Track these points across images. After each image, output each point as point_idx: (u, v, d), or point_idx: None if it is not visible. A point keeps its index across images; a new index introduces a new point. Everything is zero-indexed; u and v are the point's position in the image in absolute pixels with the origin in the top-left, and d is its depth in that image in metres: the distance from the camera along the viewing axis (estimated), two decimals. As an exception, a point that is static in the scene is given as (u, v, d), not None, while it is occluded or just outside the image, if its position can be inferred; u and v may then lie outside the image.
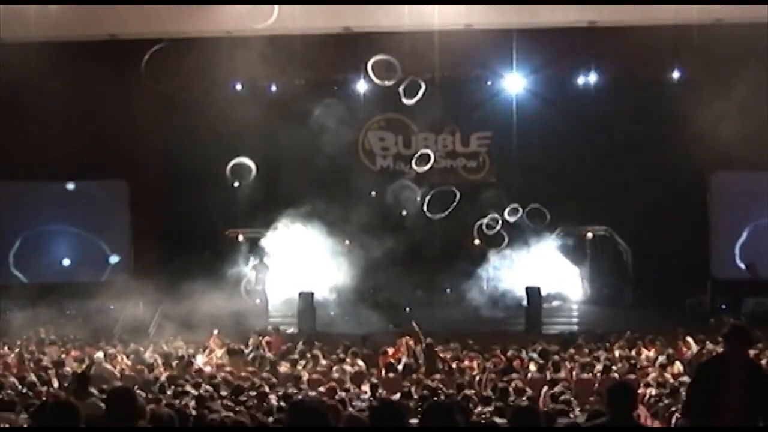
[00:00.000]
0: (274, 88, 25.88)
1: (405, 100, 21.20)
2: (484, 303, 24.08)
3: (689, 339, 19.17)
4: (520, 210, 23.68)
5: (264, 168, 24.40)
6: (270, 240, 24.50)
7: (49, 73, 22.40)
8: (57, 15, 20.99)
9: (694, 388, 7.94)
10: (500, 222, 23.88)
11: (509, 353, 18.15)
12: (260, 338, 20.05)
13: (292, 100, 25.39)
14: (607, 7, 21.05)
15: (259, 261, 24.89)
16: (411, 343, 18.95)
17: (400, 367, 17.61)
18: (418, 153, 24.01)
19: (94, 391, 11.85)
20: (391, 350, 18.72)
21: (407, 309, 23.91)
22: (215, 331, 20.50)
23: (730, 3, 20.60)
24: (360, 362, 18.19)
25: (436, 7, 20.75)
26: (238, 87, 25.86)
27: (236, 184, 23.55)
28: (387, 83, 20.55)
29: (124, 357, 18.87)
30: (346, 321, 23.66)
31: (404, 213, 25.46)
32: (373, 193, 25.61)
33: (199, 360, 18.70)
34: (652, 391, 14.19)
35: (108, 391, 6.60)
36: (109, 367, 17.14)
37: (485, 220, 24.04)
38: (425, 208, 24.34)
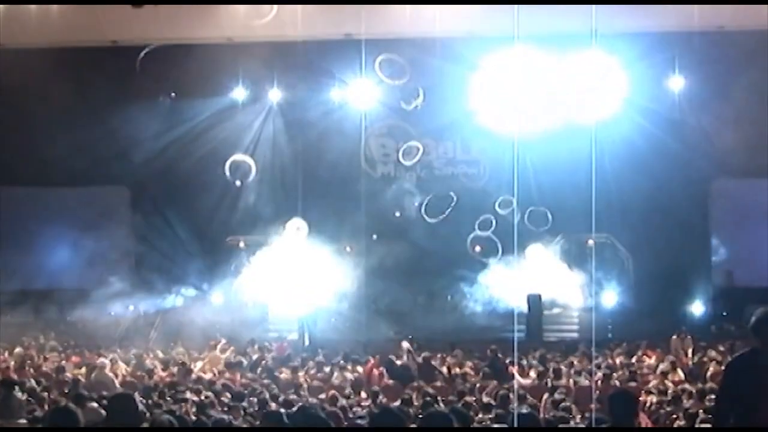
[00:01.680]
0: (274, 95, 25.82)
1: (404, 106, 21.23)
2: (485, 310, 24.04)
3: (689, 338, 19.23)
4: (513, 202, 23.36)
5: (265, 175, 24.43)
6: (271, 247, 24.46)
7: (50, 79, 22.43)
8: (59, 21, 21.03)
9: (726, 389, 7.15)
10: (493, 222, 23.78)
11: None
12: (261, 346, 20.05)
13: (293, 106, 25.41)
14: (608, 13, 21.01)
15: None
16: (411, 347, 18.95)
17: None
18: (405, 146, 23.93)
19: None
20: (372, 361, 18.46)
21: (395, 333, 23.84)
22: (221, 340, 20.47)
23: (730, 3, 20.56)
24: (360, 369, 18.17)
25: (437, 13, 20.74)
26: (239, 93, 25.79)
27: (237, 183, 23.60)
28: (396, 82, 20.62)
29: (125, 363, 18.86)
30: (347, 328, 23.63)
31: (397, 214, 25.47)
32: (375, 236, 25.51)
33: (200, 366, 18.66)
34: (653, 398, 14.19)
35: (109, 398, 6.59)
36: (109, 373, 17.12)
37: (479, 221, 23.98)
38: (423, 212, 24.34)
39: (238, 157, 23.31)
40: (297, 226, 24.04)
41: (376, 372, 17.79)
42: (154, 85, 24.51)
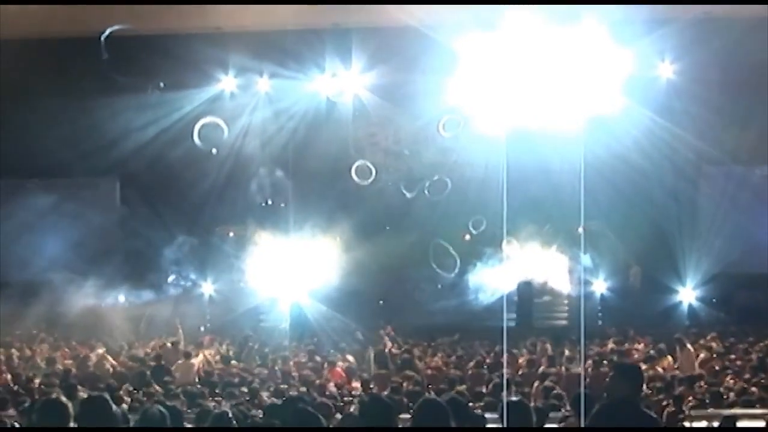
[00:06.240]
0: (263, 84, 25.69)
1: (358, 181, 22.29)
2: (475, 298, 24.05)
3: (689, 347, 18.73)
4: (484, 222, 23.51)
5: (254, 164, 24.39)
6: (261, 237, 24.43)
7: (36, 71, 22.31)
8: (42, 12, 20.86)
9: None
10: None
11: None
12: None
13: (282, 95, 25.32)
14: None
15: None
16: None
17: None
18: (446, 119, 23.76)
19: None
20: (340, 366, 17.86)
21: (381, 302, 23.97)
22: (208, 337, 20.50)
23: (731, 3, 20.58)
24: (350, 358, 18.20)
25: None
26: (229, 83, 25.65)
27: (213, 152, 23.52)
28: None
29: (115, 354, 18.85)
30: (337, 317, 23.61)
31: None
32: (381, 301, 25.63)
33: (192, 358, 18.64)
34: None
35: (81, 401, 6.22)
36: (103, 362, 17.13)
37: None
38: (403, 188, 24.47)
39: (207, 120, 23.13)
40: (285, 219, 23.93)
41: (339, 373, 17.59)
42: (143, 76, 24.37)
